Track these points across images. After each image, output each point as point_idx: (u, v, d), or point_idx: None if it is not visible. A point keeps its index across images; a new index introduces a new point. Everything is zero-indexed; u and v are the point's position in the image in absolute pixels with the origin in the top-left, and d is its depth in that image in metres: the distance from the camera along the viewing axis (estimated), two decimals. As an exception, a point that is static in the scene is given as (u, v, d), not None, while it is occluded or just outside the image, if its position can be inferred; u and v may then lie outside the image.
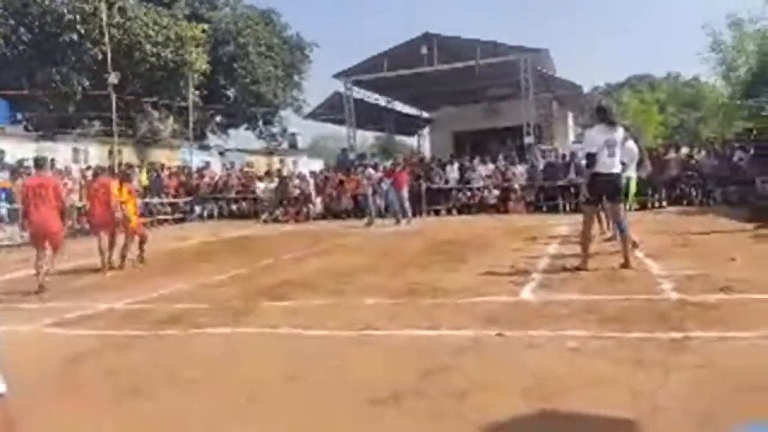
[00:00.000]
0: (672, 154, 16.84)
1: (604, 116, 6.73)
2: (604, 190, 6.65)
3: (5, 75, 23.73)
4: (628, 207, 8.51)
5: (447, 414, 2.90)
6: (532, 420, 2.77)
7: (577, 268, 6.57)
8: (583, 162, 7.77)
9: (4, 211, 15.77)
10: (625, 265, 6.52)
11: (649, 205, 15.42)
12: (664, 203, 15.72)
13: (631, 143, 8.20)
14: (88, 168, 19.09)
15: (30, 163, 17.44)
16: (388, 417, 2.92)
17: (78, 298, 6.67)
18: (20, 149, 18.52)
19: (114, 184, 9.04)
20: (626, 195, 8.20)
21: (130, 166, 20.35)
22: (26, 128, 22.97)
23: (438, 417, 2.87)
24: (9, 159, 16.86)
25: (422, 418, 2.87)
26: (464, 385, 3.20)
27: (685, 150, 17.42)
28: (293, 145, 37.31)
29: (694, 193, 15.84)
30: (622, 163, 7.62)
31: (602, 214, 8.48)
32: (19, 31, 23.53)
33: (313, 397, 3.27)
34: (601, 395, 2.98)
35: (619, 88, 53.75)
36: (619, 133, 6.69)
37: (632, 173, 8.44)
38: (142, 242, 9.58)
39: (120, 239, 9.14)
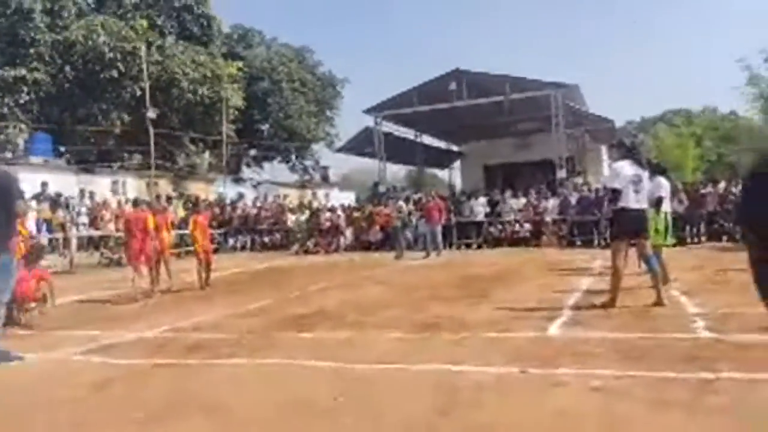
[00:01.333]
0: (709, 189, 16.47)
1: (627, 152, 6.67)
2: (632, 227, 6.48)
3: (50, 110, 24.82)
4: (667, 243, 8.20)
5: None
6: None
7: (603, 305, 6.39)
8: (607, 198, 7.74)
9: (45, 241, 16.28)
10: (658, 302, 6.32)
11: (687, 240, 15.03)
12: (702, 239, 15.32)
13: (659, 178, 7.98)
14: (127, 201, 19.66)
15: (71, 195, 18.10)
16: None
17: (111, 326, 6.77)
18: (62, 181, 19.20)
19: (149, 217, 9.74)
20: (666, 230, 7.95)
21: (168, 198, 20.91)
22: (68, 161, 23.84)
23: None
24: (51, 191, 17.49)
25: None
26: (483, 423, 3.12)
27: (722, 185, 17.00)
28: (325, 178, 37.79)
29: (731, 228, 15.39)
30: (659, 199, 7.47)
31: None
32: (65, 69, 24.65)
33: (324, 429, 3.23)
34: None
35: (654, 122, 53.10)
36: (646, 174, 6.65)
37: (668, 207, 8.21)
38: (207, 267, 10.34)
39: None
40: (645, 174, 6.63)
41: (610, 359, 4.28)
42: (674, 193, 8.82)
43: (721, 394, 3.39)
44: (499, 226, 17.88)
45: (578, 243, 16.31)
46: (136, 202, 10.65)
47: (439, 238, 15.61)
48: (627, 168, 6.49)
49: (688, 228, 15.27)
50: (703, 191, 16.34)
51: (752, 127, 33.38)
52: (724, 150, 43.15)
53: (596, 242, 15.87)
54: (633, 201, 6.41)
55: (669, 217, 8.16)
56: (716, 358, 4.16)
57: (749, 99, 26.37)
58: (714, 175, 24.87)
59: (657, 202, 7.56)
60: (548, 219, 17.16)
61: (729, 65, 71.98)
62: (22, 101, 23.57)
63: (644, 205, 6.55)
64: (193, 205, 12.10)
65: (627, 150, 6.74)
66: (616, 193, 6.50)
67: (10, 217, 5.18)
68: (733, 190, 16.42)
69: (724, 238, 15.22)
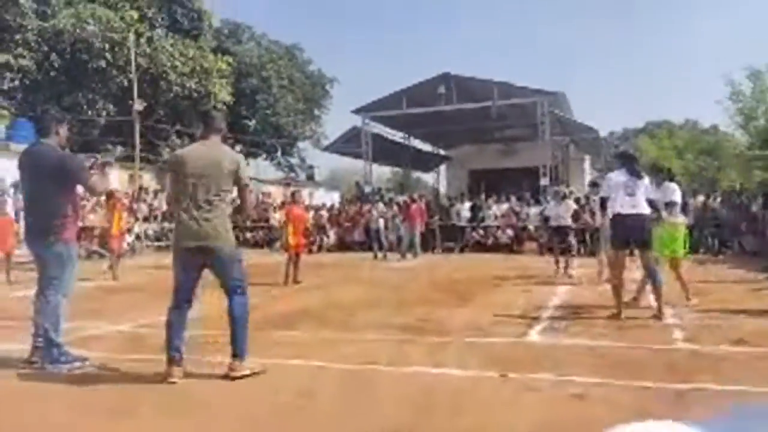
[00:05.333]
0: (690, 201, 16.73)
1: (625, 162, 6.50)
2: (627, 233, 6.27)
3: (34, 98, 24.47)
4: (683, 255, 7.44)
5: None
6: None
7: (609, 317, 6.25)
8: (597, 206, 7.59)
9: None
10: (659, 315, 6.15)
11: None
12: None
13: (670, 183, 7.33)
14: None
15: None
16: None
17: (90, 318, 6.68)
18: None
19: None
20: (684, 240, 7.32)
21: (156, 192, 20.71)
22: (51, 150, 23.49)
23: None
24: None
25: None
26: (462, 427, 3.15)
27: (701, 198, 17.30)
28: (311, 177, 37.70)
29: (710, 241, 15.67)
30: (670, 203, 7.02)
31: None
32: (51, 57, 24.33)
33: (302, 428, 3.24)
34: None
35: (637, 133, 53.73)
36: (642, 181, 6.38)
37: (681, 218, 7.43)
38: (296, 262, 10.06)
39: None
40: (641, 182, 6.36)
41: (589, 366, 4.33)
42: (685, 203, 7.93)
43: (699, 404, 3.46)
44: (482, 231, 18.01)
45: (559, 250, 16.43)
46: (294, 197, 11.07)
47: (417, 239, 15.71)
48: (618, 176, 6.37)
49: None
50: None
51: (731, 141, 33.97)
52: (704, 163, 43.77)
53: (576, 250, 15.99)
54: (622, 206, 6.21)
55: (682, 228, 7.34)
56: (693, 368, 4.24)
57: (731, 114, 26.82)
58: (692, 188, 25.22)
59: (667, 205, 6.99)
60: (531, 227, 17.32)
61: (711, 79, 73.07)
62: (5, 87, 23.22)
63: (642, 211, 6.25)
64: (291, 195, 11.85)
65: (625, 159, 6.63)
66: (604, 201, 6.48)
67: (64, 199, 4.66)
68: (713, 204, 16.74)
69: (701, 250, 15.47)
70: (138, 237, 17.54)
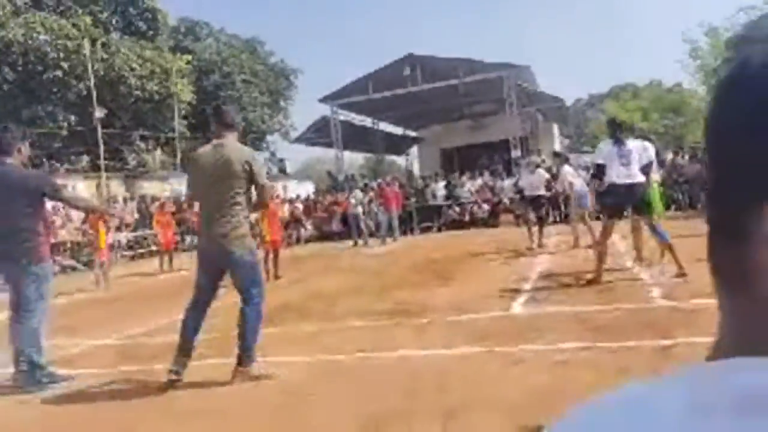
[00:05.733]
0: (664, 158, 17.00)
1: (613, 131, 6.55)
2: (626, 201, 6.40)
3: (-10, 114, 23.74)
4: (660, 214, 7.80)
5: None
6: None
7: (590, 281, 6.35)
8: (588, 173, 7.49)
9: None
10: (681, 273, 6.13)
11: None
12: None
13: (642, 141, 7.22)
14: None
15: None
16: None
17: (71, 335, 6.58)
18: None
19: None
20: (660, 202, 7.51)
21: (125, 200, 20.37)
22: (13, 166, 22.88)
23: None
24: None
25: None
26: (450, 404, 3.19)
27: (669, 156, 17.59)
28: (282, 170, 37.38)
29: (680, 198, 15.98)
30: (649, 164, 6.91)
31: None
32: (3, 70, 23.64)
33: (299, 425, 3.24)
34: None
35: (602, 99, 54.18)
36: (633, 144, 6.45)
37: (656, 175, 7.73)
38: (275, 257, 10.07)
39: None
40: (634, 149, 6.38)
41: (572, 332, 4.41)
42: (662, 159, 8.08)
43: (679, 358, 3.54)
44: (458, 209, 18.11)
45: (534, 220, 16.61)
46: None
47: (396, 222, 15.81)
48: (608, 145, 6.42)
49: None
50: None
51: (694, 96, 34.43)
52: (670, 122, 44.37)
53: (551, 219, 16.20)
54: (618, 176, 6.26)
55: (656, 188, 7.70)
56: (672, 324, 4.33)
57: (691, 71, 27.17)
58: (661, 147, 25.57)
59: (647, 166, 6.81)
60: (505, 199, 17.46)
61: (672, 38, 73.72)
62: (-42, 106, 22.52)
63: (636, 180, 6.30)
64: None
65: (610, 127, 6.70)
66: (600, 168, 6.46)
67: (35, 218, 4.55)
68: (679, 161, 17.04)
69: (673, 207, 15.77)
70: (111, 247, 17.24)
